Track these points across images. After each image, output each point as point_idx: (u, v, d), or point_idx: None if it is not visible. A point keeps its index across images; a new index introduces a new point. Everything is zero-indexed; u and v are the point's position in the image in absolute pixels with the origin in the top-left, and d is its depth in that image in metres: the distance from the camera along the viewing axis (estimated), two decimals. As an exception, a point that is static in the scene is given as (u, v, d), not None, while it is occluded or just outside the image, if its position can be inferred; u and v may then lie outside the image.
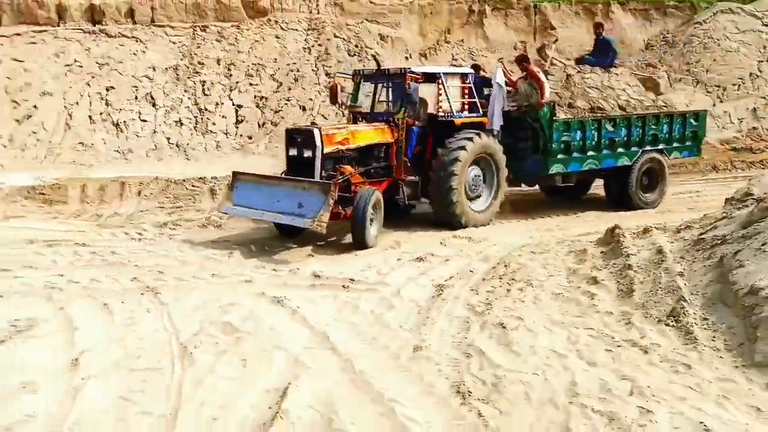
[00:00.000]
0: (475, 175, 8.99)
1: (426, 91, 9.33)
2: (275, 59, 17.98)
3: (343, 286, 5.92)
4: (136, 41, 19.12)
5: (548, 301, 5.23)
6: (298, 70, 18.07)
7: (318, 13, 20.93)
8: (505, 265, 6.45)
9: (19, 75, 17.33)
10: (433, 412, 3.46)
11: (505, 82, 9.53)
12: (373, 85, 9.50)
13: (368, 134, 8.52)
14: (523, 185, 10.53)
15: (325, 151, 7.87)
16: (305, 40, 19.26)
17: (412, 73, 8.70)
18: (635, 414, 3.24)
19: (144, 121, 15.63)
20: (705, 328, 4.14)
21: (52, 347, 4.45)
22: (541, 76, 9.62)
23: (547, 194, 11.42)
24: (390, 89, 9.41)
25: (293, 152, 8.12)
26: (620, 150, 10.08)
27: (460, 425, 3.29)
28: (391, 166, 8.69)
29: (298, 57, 18.60)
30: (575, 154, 9.71)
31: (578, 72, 10.53)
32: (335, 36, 19.34)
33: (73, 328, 4.79)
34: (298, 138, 8.04)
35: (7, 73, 17.42)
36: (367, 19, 21.50)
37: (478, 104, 9.32)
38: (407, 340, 4.55)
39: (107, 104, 16.75)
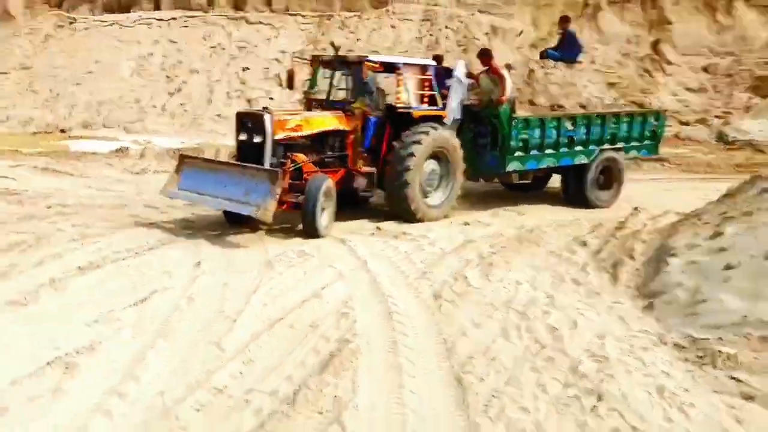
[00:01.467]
0: (432, 170, 8.86)
1: (386, 81, 9.42)
2: (389, 47, 19.95)
3: (395, 236, 7.82)
4: (271, 27, 21.84)
5: (543, 255, 6.86)
6: (407, 58, 20.06)
7: (435, 4, 22.68)
8: (530, 231, 8.06)
9: (173, 54, 20.64)
10: (413, 304, 5.34)
11: (467, 74, 9.54)
12: (330, 71, 9.19)
13: (323, 122, 8.33)
14: (481, 180, 10.42)
15: (276, 137, 7.72)
16: (418, 30, 21.07)
17: (370, 61, 8.52)
18: (540, 314, 4.94)
19: (271, 99, 18.17)
20: (630, 275, 5.67)
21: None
22: (504, 71, 9.55)
23: (508, 189, 11.23)
24: (348, 77, 9.14)
25: (243, 137, 7.92)
26: (578, 148, 10.00)
27: (422, 310, 5.15)
28: (346, 156, 8.57)
29: (410, 46, 20.52)
30: (533, 152, 9.64)
31: (541, 67, 10.49)
32: (446, 27, 21.01)
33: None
34: (249, 123, 7.88)
35: (163, 52, 20.80)
36: (480, 10, 22.95)
37: (438, 97, 9.15)
38: (420, 269, 6.39)
39: (242, 83, 19.57)
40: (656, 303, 4.95)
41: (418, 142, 8.46)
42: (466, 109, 9.45)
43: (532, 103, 9.99)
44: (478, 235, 7.95)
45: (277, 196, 7.12)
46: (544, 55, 11.09)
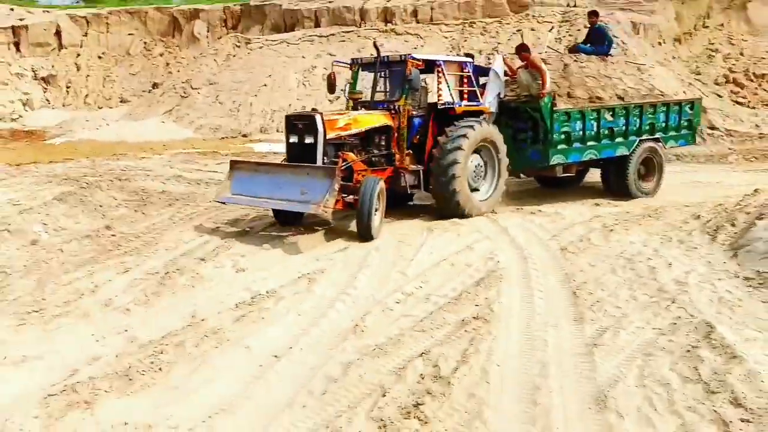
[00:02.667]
0: (477, 165, 9.06)
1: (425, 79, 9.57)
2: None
3: (531, 213, 9.48)
4: (417, 37, 24.06)
5: (659, 225, 8.25)
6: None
7: (575, 5, 23.77)
8: (655, 210, 9.32)
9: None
10: (543, 253, 7.07)
11: (504, 71, 9.84)
12: (372, 73, 9.36)
13: (371, 120, 8.53)
14: (521, 176, 10.78)
15: (327, 136, 7.91)
16: (557, 31, 22.32)
17: (414, 59, 8.71)
18: (644, 259, 6.50)
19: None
20: (727, 236, 7.01)
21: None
22: (542, 65, 9.65)
23: (542, 184, 11.68)
24: (390, 77, 9.33)
25: (294, 139, 8.11)
26: (619, 140, 10.23)
27: (550, 256, 6.87)
28: (392, 154, 8.75)
29: (549, 47, 21.83)
30: (575, 145, 9.82)
31: (575, 61, 10.47)
32: (585, 27, 22.04)
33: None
34: (299, 124, 8.06)
35: (324, 64, 23.64)
36: (621, 8, 23.70)
37: (478, 93, 9.38)
38: (551, 233, 8.06)
39: (393, 89, 21.77)
40: (740, 252, 6.31)
41: (464, 136, 8.63)
42: (502, 104, 9.73)
43: (570, 96, 9.91)
44: (606, 212, 9.39)
45: (336, 193, 7.32)
46: (574, 50, 11.20)
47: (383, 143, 8.75)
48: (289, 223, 8.28)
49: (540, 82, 9.42)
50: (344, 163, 7.92)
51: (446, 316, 5.18)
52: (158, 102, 23.85)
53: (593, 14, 11.62)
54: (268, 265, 6.69)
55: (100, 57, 28.81)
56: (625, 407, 3.56)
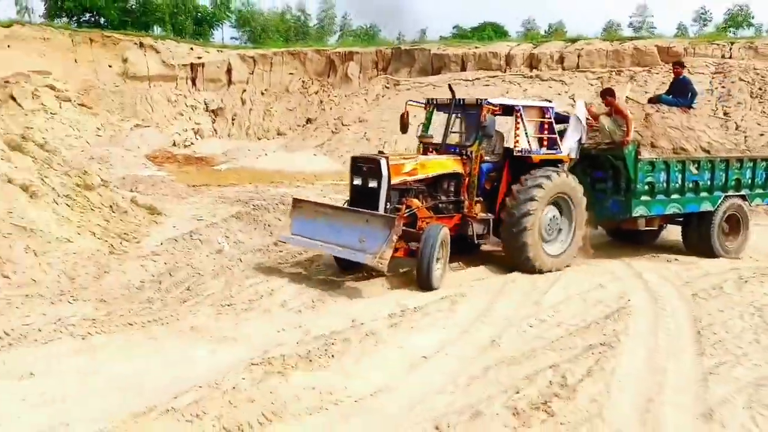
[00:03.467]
0: (552, 217, 8.70)
1: (502, 124, 9.28)
2: (677, 100, 21.22)
3: (667, 261, 9.76)
4: (562, 83, 24.57)
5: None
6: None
7: (730, 57, 23.29)
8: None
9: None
10: (674, 297, 7.47)
11: (586, 117, 9.44)
12: (446, 115, 8.99)
13: (439, 165, 8.31)
14: (598, 227, 10.30)
15: (392, 182, 7.73)
16: (710, 82, 21.98)
17: (490, 104, 8.41)
18: None
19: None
20: None
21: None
22: (627, 111, 9.37)
23: (614, 238, 11.13)
24: (464, 120, 9.05)
25: (358, 181, 7.98)
26: (703, 194, 9.82)
27: (680, 300, 7.28)
28: (461, 201, 8.48)
29: (700, 98, 21.52)
30: (659, 197, 9.47)
31: (657, 111, 10.10)
32: (740, 79, 21.57)
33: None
34: (364, 167, 7.91)
35: (468, 107, 24.65)
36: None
37: (558, 141, 8.99)
38: (684, 280, 8.36)
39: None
40: None
41: (540, 186, 8.35)
42: (582, 150, 9.36)
43: (653, 145, 9.60)
44: (744, 265, 9.53)
45: (393, 244, 7.17)
46: (655, 100, 10.81)
47: (452, 189, 8.49)
48: (350, 268, 8.11)
49: (624, 129, 9.16)
50: (407, 210, 7.77)
51: (575, 340, 5.86)
52: (311, 136, 26.10)
53: (678, 65, 11.36)
54: (415, 284, 7.67)
55: (262, 93, 31.86)
56: (730, 422, 4.10)
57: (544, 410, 4.32)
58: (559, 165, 8.86)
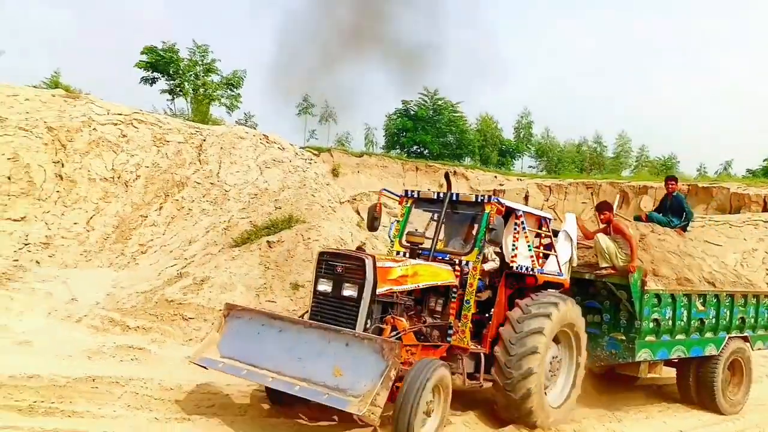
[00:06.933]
0: (553, 357, 7.04)
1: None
2: None
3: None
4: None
5: None
6: None
7: None
8: None
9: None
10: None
11: (578, 233, 8.03)
12: (429, 213, 7.51)
13: (432, 275, 6.54)
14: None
15: (378, 290, 5.91)
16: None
17: (500, 202, 6.88)
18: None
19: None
20: None
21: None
22: (629, 230, 8.12)
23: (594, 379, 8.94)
24: (456, 222, 7.44)
25: (325, 287, 6.08)
26: (708, 335, 8.59)
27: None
28: (448, 326, 6.59)
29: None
30: (664, 337, 8.12)
31: (651, 231, 8.91)
32: None
33: None
34: (338, 267, 6.04)
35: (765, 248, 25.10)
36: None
37: (558, 260, 7.43)
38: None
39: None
40: None
41: (548, 317, 6.69)
42: (573, 275, 7.91)
43: (655, 274, 8.18)
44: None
45: (392, 383, 5.11)
46: (643, 218, 9.71)
47: (438, 309, 6.69)
48: (288, 404, 6.11)
49: (628, 252, 7.91)
50: (393, 333, 5.89)
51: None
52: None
53: (672, 180, 10.13)
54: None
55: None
56: None
57: None
58: (560, 290, 7.45)
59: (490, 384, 6.69)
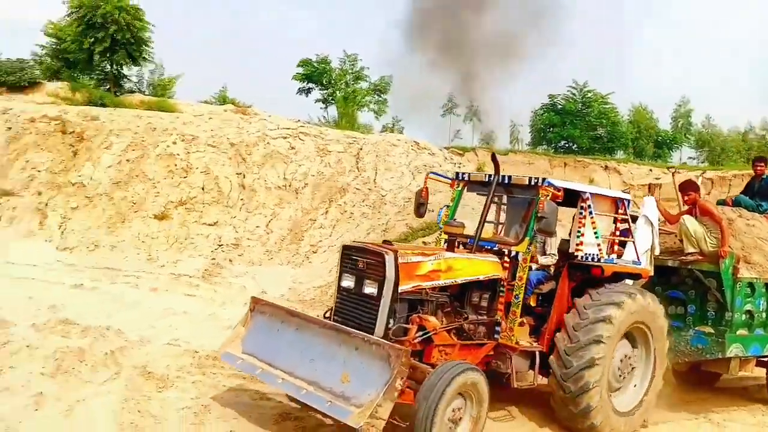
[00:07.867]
0: (624, 356, 6.46)
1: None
2: None
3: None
4: None
5: None
6: None
7: None
8: None
9: None
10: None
11: (659, 218, 7.30)
12: (483, 197, 6.83)
13: (471, 269, 6.08)
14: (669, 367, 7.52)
15: (401, 288, 5.53)
16: None
17: (552, 185, 6.15)
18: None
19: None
20: None
21: None
22: (718, 212, 7.36)
23: (679, 380, 8.39)
24: (509, 207, 7.07)
25: (348, 282, 5.82)
26: None
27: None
28: (497, 322, 6.18)
29: None
30: (757, 331, 7.31)
31: (739, 216, 7.92)
32: None
33: None
34: (359, 262, 5.72)
35: None
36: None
37: (635, 247, 6.82)
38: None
39: None
40: None
41: (607, 321, 6.10)
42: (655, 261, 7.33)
43: (747, 261, 7.49)
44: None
45: (398, 392, 4.76)
46: (728, 203, 8.76)
47: (484, 305, 6.29)
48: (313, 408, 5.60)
49: (718, 236, 7.31)
50: (420, 334, 5.60)
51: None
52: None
53: (760, 161, 9.12)
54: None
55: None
56: None
57: None
58: (636, 280, 6.97)
59: (544, 382, 6.31)
